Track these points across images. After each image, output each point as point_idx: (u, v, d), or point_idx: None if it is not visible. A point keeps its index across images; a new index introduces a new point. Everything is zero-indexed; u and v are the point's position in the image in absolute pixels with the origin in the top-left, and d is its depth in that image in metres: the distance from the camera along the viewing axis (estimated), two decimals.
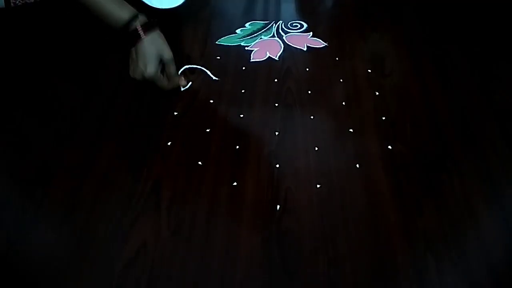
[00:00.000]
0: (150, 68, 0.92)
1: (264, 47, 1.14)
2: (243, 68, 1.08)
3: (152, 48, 0.92)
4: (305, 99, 0.99)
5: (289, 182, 0.83)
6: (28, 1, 1.21)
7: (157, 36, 0.94)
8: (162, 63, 0.95)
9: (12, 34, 1.15)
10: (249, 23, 1.21)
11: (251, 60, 1.10)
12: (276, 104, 0.98)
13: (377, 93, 1.01)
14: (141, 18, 0.92)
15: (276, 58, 1.11)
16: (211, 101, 0.99)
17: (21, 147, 0.88)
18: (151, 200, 0.80)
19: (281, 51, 1.13)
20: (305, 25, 1.21)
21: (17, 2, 1.20)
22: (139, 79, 0.94)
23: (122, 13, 0.90)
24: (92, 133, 0.91)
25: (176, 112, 0.96)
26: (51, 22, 1.19)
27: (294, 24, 1.21)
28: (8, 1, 1.19)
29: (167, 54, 0.95)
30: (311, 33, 1.18)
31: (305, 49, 1.13)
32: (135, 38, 0.92)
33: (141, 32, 0.91)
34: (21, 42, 1.14)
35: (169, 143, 0.89)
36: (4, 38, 1.14)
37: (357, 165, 0.86)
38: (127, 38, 0.93)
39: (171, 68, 0.97)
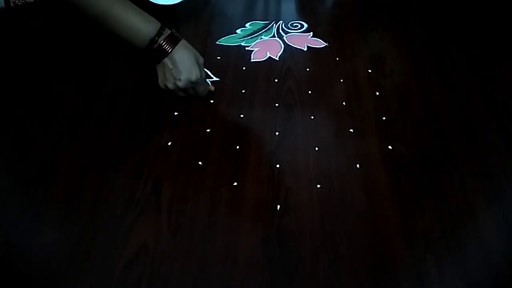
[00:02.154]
0: (196, 72, 0.91)
1: (265, 47, 1.14)
2: (244, 68, 1.08)
3: (191, 54, 0.91)
4: (305, 99, 0.99)
5: (289, 182, 0.83)
6: (28, 0, 1.21)
7: (186, 42, 0.92)
8: None
9: (13, 35, 1.15)
10: (249, 23, 1.22)
11: (252, 60, 1.10)
12: (277, 104, 0.98)
13: (377, 93, 1.01)
14: (165, 32, 0.89)
15: (277, 58, 1.11)
16: (211, 101, 0.99)
17: (22, 147, 0.88)
18: (152, 200, 0.80)
19: (281, 51, 1.13)
20: (306, 25, 1.21)
21: (17, 1, 1.20)
22: (180, 86, 0.91)
23: (147, 29, 0.87)
24: (92, 133, 0.91)
25: (176, 112, 0.96)
26: (51, 23, 1.19)
27: (294, 24, 1.21)
28: (8, 1, 1.19)
29: (201, 59, 0.94)
30: (311, 33, 1.18)
31: (305, 49, 1.13)
32: (162, 54, 0.89)
33: (168, 48, 0.89)
34: (22, 43, 1.14)
35: (169, 143, 0.90)
36: (5, 39, 1.14)
37: (357, 165, 0.86)
38: (151, 55, 0.90)
39: (204, 73, 0.95)
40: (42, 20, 1.20)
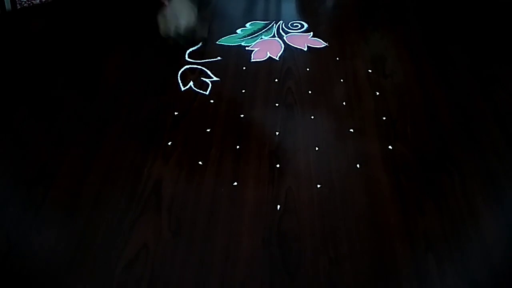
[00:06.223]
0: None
1: (265, 47, 1.14)
2: (244, 68, 1.08)
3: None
4: (305, 99, 0.99)
5: (289, 182, 0.83)
6: (34, 2, 1.21)
7: None
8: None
9: (14, 36, 1.15)
10: (249, 23, 1.21)
11: (252, 60, 1.10)
12: (277, 104, 0.98)
13: (377, 93, 1.01)
14: None
15: (277, 58, 1.11)
16: (212, 101, 0.99)
17: (22, 148, 0.88)
18: (152, 200, 0.80)
19: (281, 51, 1.13)
20: (306, 25, 1.21)
21: (23, 2, 1.20)
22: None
23: None
24: (93, 133, 0.91)
25: (176, 112, 0.96)
26: (52, 24, 1.19)
27: (294, 24, 1.21)
28: (15, 3, 1.19)
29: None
30: (311, 33, 1.18)
31: (305, 49, 1.13)
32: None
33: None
34: (23, 44, 1.14)
35: (169, 143, 0.89)
36: (6, 40, 1.14)
37: (358, 165, 0.86)
38: None
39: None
40: (42, 22, 1.20)
